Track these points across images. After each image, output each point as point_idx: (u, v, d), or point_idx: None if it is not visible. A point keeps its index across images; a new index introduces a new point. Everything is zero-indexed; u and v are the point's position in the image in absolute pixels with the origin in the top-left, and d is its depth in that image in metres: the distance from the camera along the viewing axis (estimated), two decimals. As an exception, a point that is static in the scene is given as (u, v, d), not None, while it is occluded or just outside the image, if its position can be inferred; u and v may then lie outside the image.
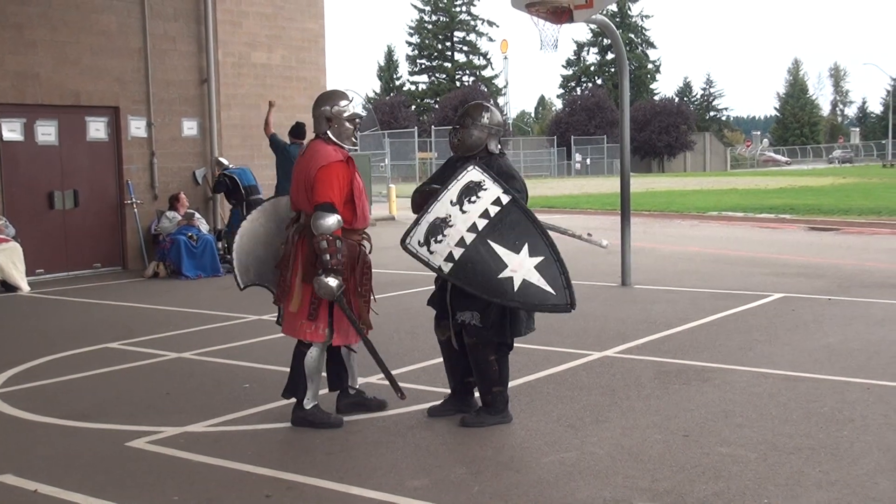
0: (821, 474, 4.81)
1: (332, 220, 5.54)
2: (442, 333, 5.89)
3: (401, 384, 6.72)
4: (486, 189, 5.41)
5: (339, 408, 6.05)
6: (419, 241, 5.42)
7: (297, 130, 13.56)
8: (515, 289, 5.40)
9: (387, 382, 6.78)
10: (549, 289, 5.43)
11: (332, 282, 5.53)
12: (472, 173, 5.43)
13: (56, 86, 13.45)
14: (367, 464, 5.17)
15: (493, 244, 5.40)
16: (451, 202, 5.38)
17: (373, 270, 5.97)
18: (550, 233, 5.63)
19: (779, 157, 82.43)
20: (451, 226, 5.36)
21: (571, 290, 5.48)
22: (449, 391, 6.10)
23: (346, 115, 5.85)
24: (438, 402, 6.06)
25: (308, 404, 5.82)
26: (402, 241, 5.51)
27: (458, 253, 5.39)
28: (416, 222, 5.44)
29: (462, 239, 5.38)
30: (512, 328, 5.72)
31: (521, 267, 5.42)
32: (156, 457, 5.32)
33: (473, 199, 5.39)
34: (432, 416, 5.94)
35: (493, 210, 5.41)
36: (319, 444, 5.54)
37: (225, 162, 14.78)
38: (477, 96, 64.76)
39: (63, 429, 5.93)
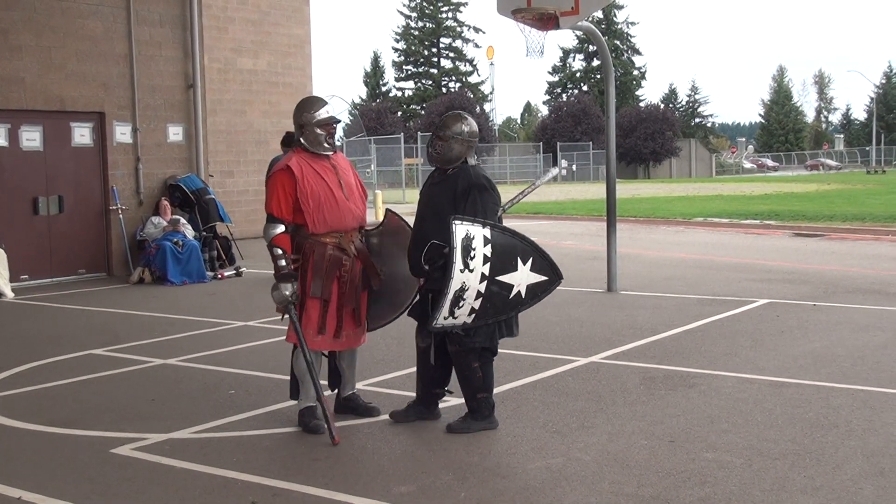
0: (806, 480, 4.83)
1: (267, 230, 5.77)
2: (422, 340, 5.89)
3: (387, 390, 6.76)
4: (474, 237, 5.44)
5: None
6: (444, 317, 5.46)
7: (288, 140, 13.60)
8: (524, 296, 5.65)
9: (376, 388, 6.79)
10: (543, 277, 5.70)
11: (278, 291, 5.70)
12: (458, 229, 5.41)
13: (41, 91, 13.39)
14: (354, 470, 5.16)
15: (500, 278, 5.54)
16: (461, 270, 5.39)
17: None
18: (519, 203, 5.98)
19: (829, 160, 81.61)
20: (467, 290, 5.43)
21: (556, 265, 5.77)
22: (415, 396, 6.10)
23: (314, 121, 5.89)
24: (401, 408, 6.05)
25: (300, 405, 5.91)
26: (429, 326, 5.54)
27: (477, 304, 5.50)
28: (439, 304, 5.42)
29: (478, 291, 5.47)
30: (499, 333, 5.74)
31: (522, 278, 5.62)
32: (141, 463, 5.30)
33: (472, 254, 5.42)
34: (395, 422, 5.93)
35: (488, 251, 5.49)
36: (305, 451, 5.53)
37: (175, 175, 14.79)
38: (463, 102, 64.83)
39: (47, 435, 5.90)
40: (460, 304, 5.42)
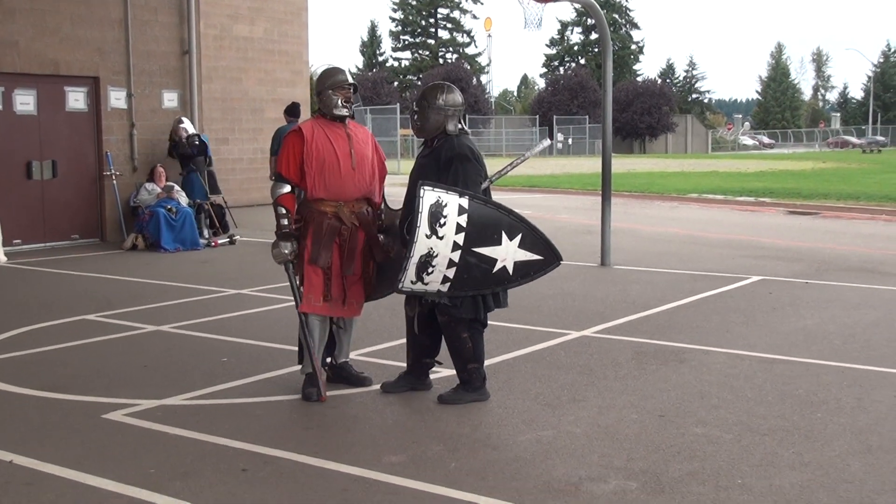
0: (794, 455, 4.86)
1: (273, 189, 5.93)
2: (411, 309, 5.91)
3: (379, 360, 6.77)
4: (446, 204, 5.42)
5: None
6: (412, 280, 5.46)
7: (292, 109, 13.82)
8: (511, 272, 5.63)
9: (368, 359, 6.81)
10: (537, 256, 5.68)
11: (278, 248, 5.87)
12: (427, 195, 5.41)
13: (35, 55, 13.30)
14: (345, 439, 5.18)
15: (477, 250, 5.51)
16: (427, 236, 5.38)
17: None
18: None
19: (853, 138, 78.38)
20: (435, 256, 5.41)
21: (554, 246, 5.75)
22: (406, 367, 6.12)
23: (328, 83, 5.99)
24: (392, 379, 6.08)
25: (303, 369, 5.97)
26: (396, 287, 5.57)
27: (451, 273, 5.48)
28: (404, 267, 5.43)
29: (450, 260, 5.45)
30: (485, 304, 5.75)
31: (507, 253, 5.59)
32: (132, 429, 5.31)
33: (442, 221, 5.40)
34: (386, 393, 5.96)
35: (463, 220, 5.46)
36: (297, 419, 5.55)
37: (190, 128, 14.55)
38: (460, 74, 64.62)
39: (39, 400, 5.91)
40: (429, 270, 5.42)
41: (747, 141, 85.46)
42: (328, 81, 5.99)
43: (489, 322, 5.95)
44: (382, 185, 6.18)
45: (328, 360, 6.18)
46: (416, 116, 5.92)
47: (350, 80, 6.04)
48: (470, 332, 5.76)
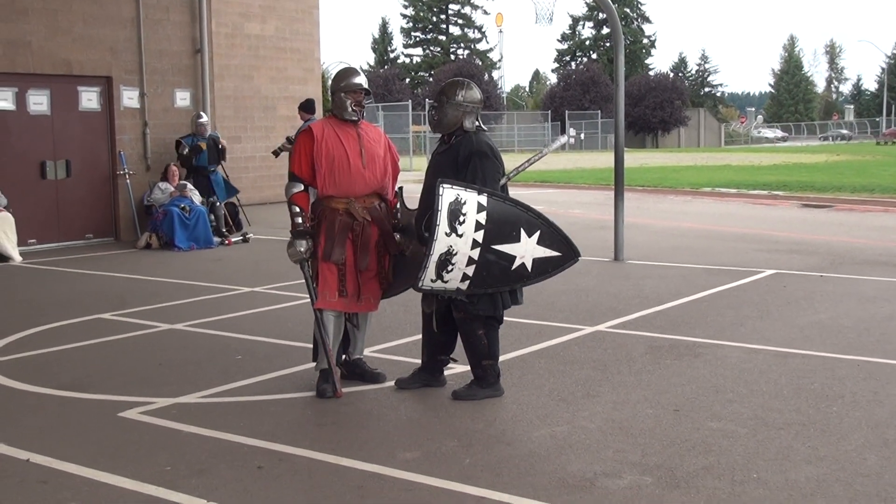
0: (810, 450, 4.84)
1: (287, 189, 5.98)
2: (427, 306, 5.91)
3: (394, 357, 6.78)
4: (465, 202, 5.42)
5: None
6: (431, 279, 5.46)
7: (307, 105, 13.91)
8: (530, 269, 5.62)
9: (383, 355, 6.82)
10: (555, 252, 5.67)
11: (293, 247, 5.89)
12: (446, 193, 5.40)
13: (48, 55, 13.34)
14: (359, 436, 5.19)
15: (496, 247, 5.51)
16: (446, 234, 5.38)
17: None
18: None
19: None
20: (455, 254, 5.41)
21: (572, 242, 5.74)
22: (420, 363, 6.13)
23: (340, 87, 6.04)
24: (407, 375, 6.08)
25: (318, 366, 5.99)
26: (416, 286, 5.57)
27: (470, 271, 5.48)
28: (424, 265, 5.43)
29: (470, 258, 5.45)
30: (502, 301, 5.74)
31: (526, 250, 5.58)
32: (148, 427, 5.33)
33: (461, 218, 5.40)
34: (400, 389, 5.97)
35: (482, 218, 5.45)
36: (311, 416, 5.56)
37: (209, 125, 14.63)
38: (471, 70, 64.53)
39: (55, 399, 5.94)
40: (448, 269, 5.42)
41: (768, 133, 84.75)
42: (341, 83, 6.03)
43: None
44: (395, 182, 6.19)
45: (343, 356, 6.19)
46: (433, 111, 5.93)
47: (364, 83, 6.06)
48: (486, 328, 5.75)
